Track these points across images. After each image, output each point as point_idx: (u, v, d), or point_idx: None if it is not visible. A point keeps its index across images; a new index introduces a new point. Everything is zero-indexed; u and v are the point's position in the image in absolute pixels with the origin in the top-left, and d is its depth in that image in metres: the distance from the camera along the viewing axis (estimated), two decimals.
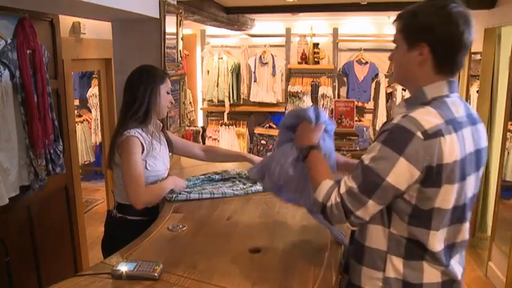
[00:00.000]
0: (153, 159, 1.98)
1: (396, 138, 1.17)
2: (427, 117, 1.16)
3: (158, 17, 2.67)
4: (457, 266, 1.31)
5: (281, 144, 1.56)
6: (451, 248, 1.28)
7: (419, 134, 1.14)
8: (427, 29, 1.20)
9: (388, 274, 1.27)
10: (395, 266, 1.27)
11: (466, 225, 1.30)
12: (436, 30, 1.19)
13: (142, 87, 1.96)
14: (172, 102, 2.12)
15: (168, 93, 2.06)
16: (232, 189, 2.17)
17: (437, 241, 1.24)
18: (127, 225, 1.93)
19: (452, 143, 1.17)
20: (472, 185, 1.27)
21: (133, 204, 1.84)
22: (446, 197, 1.20)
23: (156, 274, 1.34)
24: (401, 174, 1.16)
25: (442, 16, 1.18)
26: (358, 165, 1.25)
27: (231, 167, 2.58)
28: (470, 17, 1.21)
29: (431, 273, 1.27)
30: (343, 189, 1.23)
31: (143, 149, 1.93)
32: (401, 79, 1.36)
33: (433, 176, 1.16)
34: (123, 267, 1.36)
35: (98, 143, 5.68)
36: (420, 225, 1.23)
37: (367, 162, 1.20)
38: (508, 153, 3.40)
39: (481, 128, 1.30)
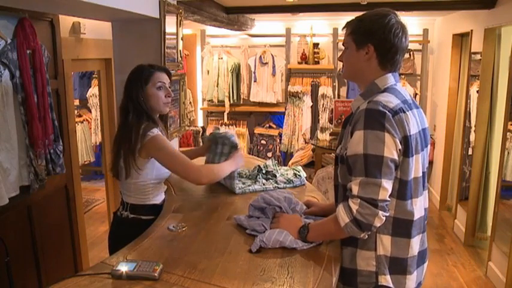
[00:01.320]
0: None
1: (372, 119, 1.35)
2: (388, 99, 1.39)
3: (158, 17, 2.67)
4: (425, 233, 1.56)
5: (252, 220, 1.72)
6: (424, 212, 1.52)
7: (387, 112, 1.35)
8: (371, 33, 1.44)
9: (379, 252, 1.43)
10: (384, 243, 1.43)
11: (426, 192, 1.56)
12: (377, 35, 1.43)
13: (134, 91, 1.94)
14: (169, 96, 2.03)
15: (159, 88, 1.98)
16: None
17: (418, 207, 1.46)
18: (141, 225, 1.89)
19: (412, 118, 1.41)
20: (426, 157, 1.51)
21: (198, 182, 1.95)
22: (417, 165, 1.43)
23: (156, 274, 1.34)
24: (391, 146, 1.34)
25: (383, 24, 1.43)
26: (352, 163, 1.39)
27: None
28: (405, 27, 1.47)
29: (413, 247, 1.46)
30: (355, 190, 1.36)
31: None
32: (349, 75, 1.57)
33: (409, 145, 1.37)
34: (123, 267, 1.36)
35: (98, 143, 5.69)
36: (407, 197, 1.42)
37: (363, 152, 1.33)
38: (508, 153, 3.40)
39: (422, 112, 1.54)
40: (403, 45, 1.46)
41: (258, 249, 1.54)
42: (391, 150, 1.34)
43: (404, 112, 1.38)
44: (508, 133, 3.32)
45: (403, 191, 1.41)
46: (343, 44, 1.55)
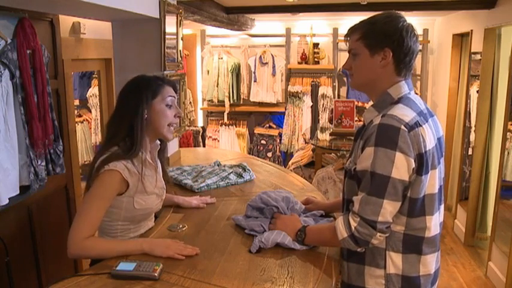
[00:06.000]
0: (141, 195, 1.63)
1: (386, 136, 1.27)
2: (404, 112, 1.30)
3: (158, 17, 2.67)
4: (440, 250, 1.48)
5: (250, 220, 1.73)
6: (439, 229, 1.44)
7: (403, 127, 1.26)
8: (387, 35, 1.34)
9: (389, 270, 1.36)
10: (395, 261, 1.36)
11: (443, 207, 1.46)
12: (395, 37, 1.33)
13: (134, 105, 1.59)
14: (178, 116, 1.69)
15: (169, 105, 1.64)
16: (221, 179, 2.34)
17: (433, 225, 1.37)
18: None
19: (428, 131, 1.31)
20: (442, 169, 1.42)
21: (67, 248, 1.53)
22: (432, 182, 1.34)
23: (156, 274, 1.34)
24: (402, 166, 1.26)
25: (398, 26, 1.34)
26: (361, 177, 1.33)
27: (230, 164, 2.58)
28: (416, 30, 1.39)
29: (426, 265, 1.38)
30: (356, 207, 1.32)
31: (128, 186, 1.58)
32: (361, 84, 1.45)
33: (423, 162, 1.28)
34: (123, 267, 1.36)
35: (98, 143, 5.68)
36: (418, 215, 1.34)
37: (370, 169, 1.28)
38: (508, 153, 3.39)
39: (437, 119, 1.47)
40: (417, 48, 1.39)
41: (258, 249, 1.54)
42: (400, 171, 1.26)
43: (420, 126, 1.29)
44: (508, 133, 3.32)
45: (413, 208, 1.33)
46: (349, 52, 1.42)
